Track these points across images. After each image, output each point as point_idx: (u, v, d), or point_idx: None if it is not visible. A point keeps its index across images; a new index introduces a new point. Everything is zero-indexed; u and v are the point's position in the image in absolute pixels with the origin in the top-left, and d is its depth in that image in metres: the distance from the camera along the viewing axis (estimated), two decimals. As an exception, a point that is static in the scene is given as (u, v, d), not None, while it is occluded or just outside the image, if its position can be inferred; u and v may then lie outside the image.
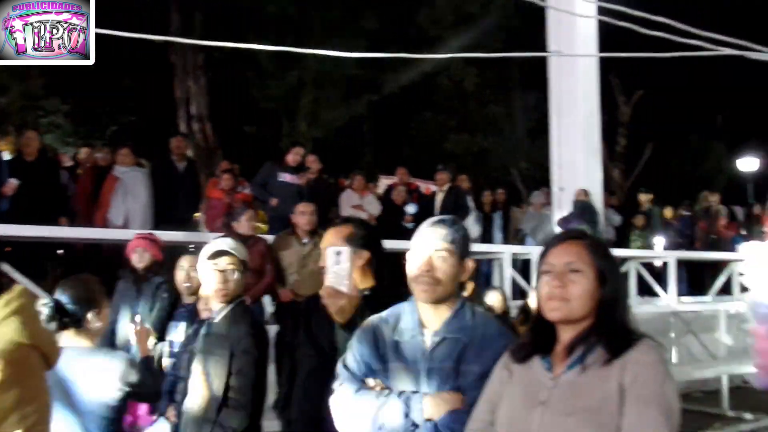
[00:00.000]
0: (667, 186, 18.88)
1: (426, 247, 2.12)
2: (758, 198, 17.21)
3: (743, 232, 12.48)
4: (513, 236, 10.72)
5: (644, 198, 11.71)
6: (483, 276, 8.83)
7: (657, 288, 9.38)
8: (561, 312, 1.73)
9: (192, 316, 4.12)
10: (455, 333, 2.10)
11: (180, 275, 4.54)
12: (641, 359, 1.66)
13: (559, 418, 1.65)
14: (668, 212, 12.73)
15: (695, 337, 9.63)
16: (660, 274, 9.75)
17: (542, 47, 9.72)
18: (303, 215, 5.86)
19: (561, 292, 1.73)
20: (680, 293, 9.83)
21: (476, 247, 8.46)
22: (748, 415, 7.98)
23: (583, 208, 8.81)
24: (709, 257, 10.45)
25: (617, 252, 9.28)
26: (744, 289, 8.07)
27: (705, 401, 9.22)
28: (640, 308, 9.16)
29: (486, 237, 10.11)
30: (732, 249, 10.57)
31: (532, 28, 12.47)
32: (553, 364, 1.76)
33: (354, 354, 2.18)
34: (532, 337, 1.83)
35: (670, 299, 9.33)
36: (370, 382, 2.13)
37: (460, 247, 2.15)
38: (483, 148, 20.47)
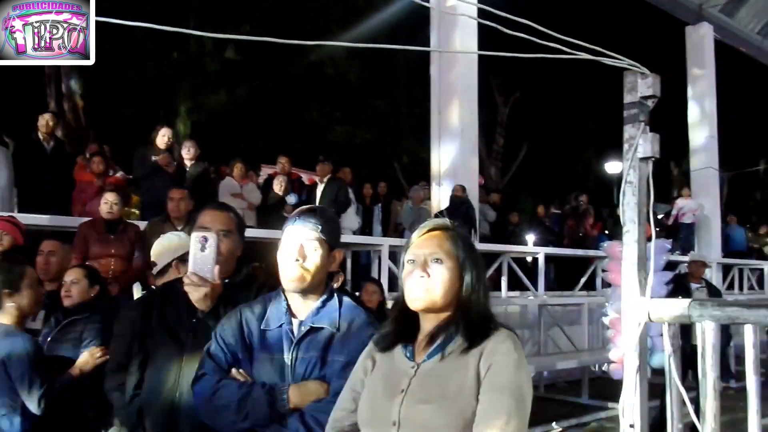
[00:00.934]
0: (540, 185, 19.76)
1: (296, 237, 2.10)
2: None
3: (607, 232, 13.25)
4: (393, 229, 10.87)
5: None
6: (362, 267, 8.91)
7: (527, 282, 9.76)
8: (423, 301, 1.75)
9: (53, 303, 3.89)
10: (322, 322, 2.09)
11: (39, 260, 4.31)
12: (497, 348, 1.70)
13: (417, 406, 1.66)
14: (540, 210, 13.34)
15: (561, 330, 10.13)
16: (531, 270, 10.18)
17: (427, 44, 9.89)
18: (175, 201, 5.65)
19: (423, 281, 1.75)
20: (549, 288, 10.30)
21: (356, 239, 8.53)
22: (610, 404, 8.40)
23: (459, 203, 9.03)
24: (576, 254, 11.00)
25: (492, 247, 9.62)
26: (606, 284, 8.57)
27: (569, 391, 9.73)
28: (511, 301, 9.54)
29: (366, 229, 10.19)
30: (597, 247, 11.19)
31: (417, 24, 12.65)
32: (415, 353, 1.78)
33: (219, 343, 2.12)
34: (395, 326, 1.84)
35: (539, 293, 9.74)
36: (235, 372, 2.09)
37: (330, 237, 2.14)
38: (366, 141, 20.64)
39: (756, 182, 31.47)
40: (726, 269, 13.54)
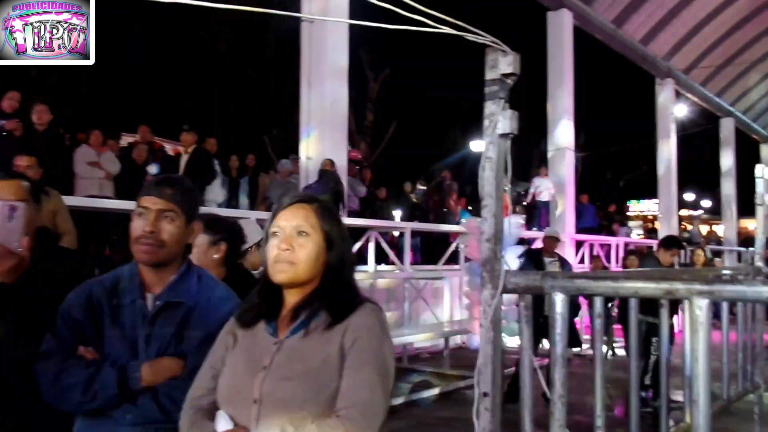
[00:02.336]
0: (409, 161, 20.12)
1: (150, 207, 2.00)
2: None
3: (470, 208, 13.71)
4: (260, 202, 10.71)
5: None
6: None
7: (393, 257, 9.93)
8: (287, 275, 1.72)
9: None
10: (179, 297, 2.01)
11: None
12: (362, 323, 1.70)
13: (279, 383, 1.64)
14: (407, 186, 13.59)
15: (425, 303, 10.40)
16: (397, 244, 10.36)
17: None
18: (21, 169, 5.26)
19: (288, 255, 1.71)
20: (415, 262, 10.53)
21: (221, 212, 8.33)
22: (470, 374, 8.73)
23: (328, 177, 9.02)
24: (440, 229, 11.30)
25: (359, 221, 9.69)
26: (467, 259, 8.87)
27: (431, 361, 10.04)
28: (378, 275, 9.68)
29: (232, 202, 9.98)
30: (460, 222, 11.56)
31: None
32: (279, 328, 1.75)
33: (64, 320, 1.99)
34: (258, 301, 1.80)
35: (404, 268, 9.93)
36: (82, 350, 1.97)
37: (188, 207, 2.05)
38: (236, 112, 20.17)
39: (608, 164, 33.60)
40: (578, 244, 14.38)
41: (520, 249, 8.92)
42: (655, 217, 29.78)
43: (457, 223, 11.24)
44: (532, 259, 7.87)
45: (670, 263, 7.55)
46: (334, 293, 1.74)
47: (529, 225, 13.70)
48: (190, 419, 1.73)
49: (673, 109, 18.83)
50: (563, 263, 8.16)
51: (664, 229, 18.06)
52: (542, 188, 14.02)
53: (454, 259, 11.19)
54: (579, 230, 14.89)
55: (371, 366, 1.65)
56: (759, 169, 4.28)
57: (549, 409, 1.87)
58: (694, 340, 1.54)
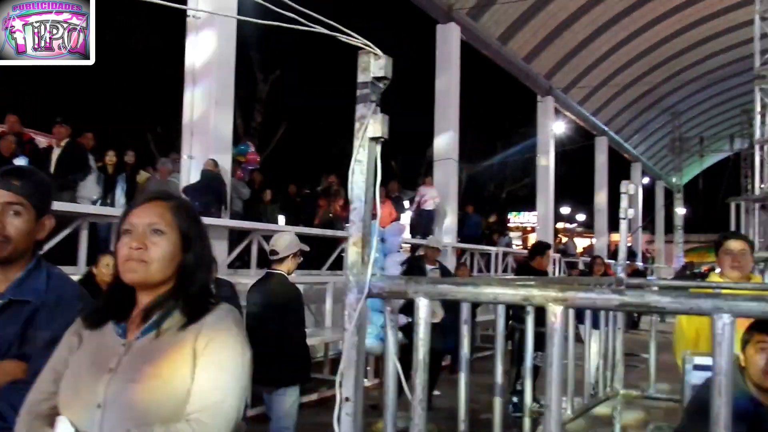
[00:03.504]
0: (296, 164, 19.98)
1: None
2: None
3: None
4: (138, 201, 10.29)
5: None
6: (101, 241, 8.33)
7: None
8: (139, 274, 1.63)
9: None
10: (24, 295, 1.87)
11: None
12: (216, 325, 1.65)
13: (126, 385, 1.55)
14: (292, 189, 13.46)
15: (308, 308, 10.33)
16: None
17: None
18: None
19: (140, 253, 1.63)
20: (298, 267, 10.38)
21: (94, 210, 7.95)
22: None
23: (210, 178, 8.80)
24: (325, 234, 11.25)
25: (241, 224, 9.51)
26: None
27: (312, 367, 9.96)
28: (255, 279, 9.51)
29: (108, 199, 9.55)
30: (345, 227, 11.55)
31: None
32: (129, 329, 1.66)
33: None
34: (107, 301, 1.70)
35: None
36: None
37: (38, 201, 1.92)
38: (119, 107, 19.38)
39: (490, 175, 34.67)
40: (460, 253, 14.73)
41: (403, 256, 9.05)
42: (533, 229, 31.00)
43: (343, 229, 11.23)
44: (414, 267, 7.98)
45: (546, 267, 7.85)
46: (188, 294, 1.68)
47: (414, 233, 13.91)
48: (26, 426, 1.61)
49: (553, 126, 19.69)
50: (444, 271, 8.33)
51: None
52: (427, 197, 14.27)
53: (338, 264, 11.17)
54: (463, 239, 15.26)
55: (225, 368, 1.60)
56: (624, 185, 4.51)
57: (410, 414, 1.87)
58: (549, 346, 1.58)
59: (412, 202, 14.74)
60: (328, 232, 11.28)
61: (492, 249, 16.40)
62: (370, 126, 1.80)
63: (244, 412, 1.65)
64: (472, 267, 15.14)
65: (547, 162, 19.38)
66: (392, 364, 1.98)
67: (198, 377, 1.57)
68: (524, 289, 1.63)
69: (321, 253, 11.35)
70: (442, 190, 14.41)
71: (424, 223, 14.16)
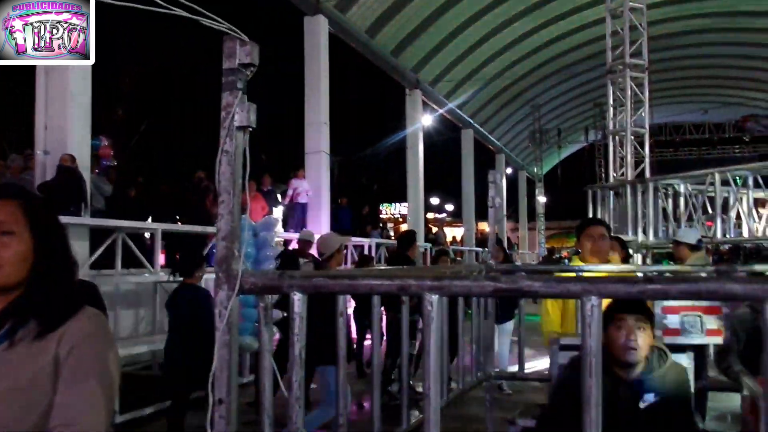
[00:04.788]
0: (160, 160, 19.26)
1: None
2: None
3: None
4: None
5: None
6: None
7: (143, 259, 9.37)
8: (-11, 279, 1.48)
9: None
10: None
11: None
12: (80, 329, 1.52)
13: None
14: (163, 186, 12.97)
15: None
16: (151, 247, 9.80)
17: None
18: None
19: (-13, 257, 1.48)
20: (169, 265, 10.00)
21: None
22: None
23: (67, 174, 8.28)
24: (195, 230, 10.89)
25: (105, 222, 9.03)
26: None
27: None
28: (125, 279, 9.08)
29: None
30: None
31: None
32: (-20, 340, 1.50)
33: None
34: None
35: (155, 270, 9.42)
36: None
37: None
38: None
39: (362, 168, 34.97)
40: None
41: (276, 250, 8.91)
42: (404, 219, 31.56)
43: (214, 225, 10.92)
44: (288, 261, 7.89)
45: (416, 256, 7.96)
46: (47, 298, 1.54)
47: (287, 226, 13.77)
48: None
49: (421, 119, 20.07)
50: (318, 264, 8.27)
51: (412, 231, 19.16)
52: (300, 190, 14.15)
53: (210, 261, 10.84)
54: (336, 232, 15.24)
55: (91, 377, 1.48)
56: (491, 175, 4.64)
57: (287, 411, 1.82)
58: (426, 335, 1.58)
59: (284, 195, 14.57)
60: (198, 228, 10.92)
61: (365, 240, 16.52)
62: (237, 115, 1.73)
63: (112, 418, 1.54)
64: (346, 259, 15.19)
65: (416, 154, 19.73)
66: (267, 361, 1.92)
67: (61, 388, 1.44)
68: (400, 279, 1.62)
69: (192, 251, 10.96)
70: (314, 183, 14.34)
71: (297, 217, 14.05)
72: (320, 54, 14.41)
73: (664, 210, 13.37)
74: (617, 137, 15.46)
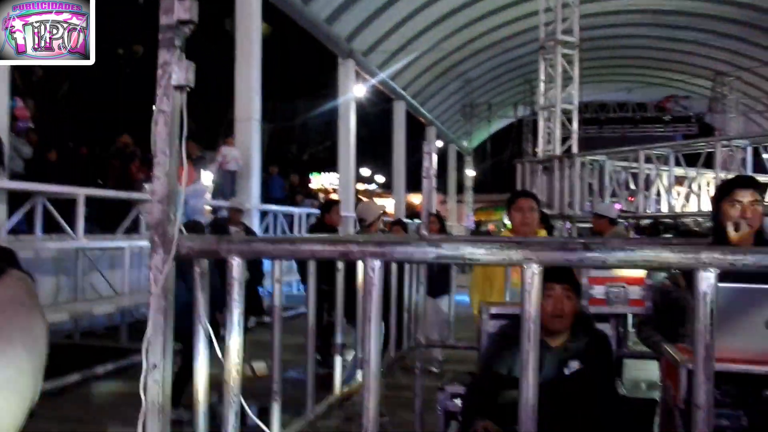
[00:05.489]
0: (85, 124, 18.57)
1: None
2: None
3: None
4: None
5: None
6: None
7: (64, 225, 9.05)
8: None
9: None
10: None
11: None
12: (2, 294, 1.45)
13: None
14: (84, 149, 12.51)
15: (101, 274, 9.71)
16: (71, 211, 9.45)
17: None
18: None
19: None
20: (90, 231, 9.67)
21: None
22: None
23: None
24: (119, 196, 10.58)
25: (23, 185, 8.67)
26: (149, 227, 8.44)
27: (107, 336, 9.44)
28: (45, 246, 8.78)
29: None
30: (142, 189, 10.97)
31: None
32: None
33: None
34: None
35: (77, 237, 9.11)
36: None
37: None
38: None
39: (294, 136, 34.59)
40: (264, 214, 14.58)
41: (206, 218, 8.77)
42: (335, 190, 31.50)
43: (140, 191, 10.63)
44: (218, 229, 7.77)
45: (337, 223, 7.94)
46: None
47: (216, 195, 13.52)
48: None
49: (353, 89, 19.94)
50: (249, 232, 8.19)
51: (343, 202, 19.13)
52: (230, 158, 13.90)
53: (134, 227, 10.57)
54: (267, 201, 15.08)
55: (15, 341, 1.41)
56: (426, 146, 4.66)
57: (224, 378, 1.80)
58: (366, 301, 1.57)
59: (212, 162, 14.29)
60: (122, 194, 10.61)
61: (296, 210, 16.41)
62: (174, 73, 1.67)
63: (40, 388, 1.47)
64: (276, 229, 15.08)
65: (348, 124, 19.62)
66: (202, 327, 1.88)
67: None
68: (342, 245, 1.61)
69: (117, 216, 10.67)
70: (244, 151, 14.10)
71: (226, 185, 13.80)
72: (252, 19, 14.09)
73: (590, 185, 13.79)
74: (547, 113, 15.77)
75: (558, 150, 15.13)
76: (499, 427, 3.07)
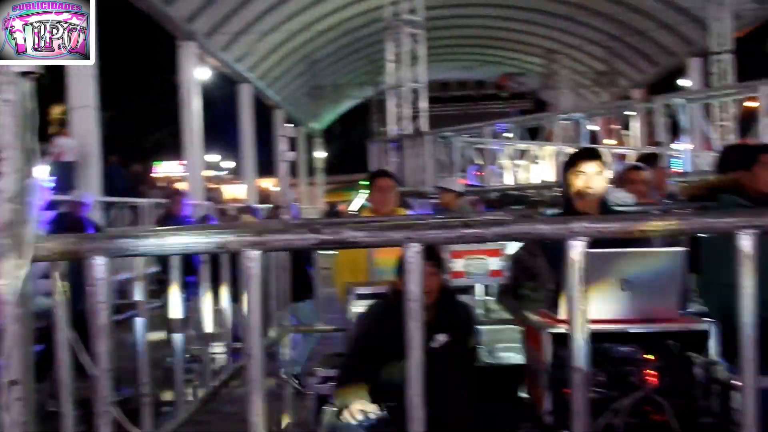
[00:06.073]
0: None
1: None
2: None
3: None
4: None
5: None
6: None
7: None
8: None
9: None
10: None
11: None
12: None
13: None
14: None
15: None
16: None
17: None
18: None
19: None
20: None
21: None
22: None
23: None
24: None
25: None
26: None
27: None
28: None
29: None
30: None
31: None
32: None
33: None
34: None
35: None
36: None
37: None
38: None
39: (134, 123, 32.99)
40: (108, 206, 13.80)
41: (53, 214, 8.16)
42: (182, 178, 30.43)
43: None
44: (66, 224, 7.28)
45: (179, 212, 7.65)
46: None
47: (53, 189, 12.63)
48: None
49: (195, 72, 19.27)
50: (97, 229, 7.73)
51: (191, 190, 18.54)
52: (66, 148, 13.02)
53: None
54: (109, 192, 14.29)
55: None
56: (282, 129, 4.58)
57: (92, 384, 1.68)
58: (249, 293, 1.52)
59: (46, 154, 13.32)
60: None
61: (142, 201, 15.69)
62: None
63: None
64: (122, 221, 14.34)
65: (192, 109, 18.95)
66: (64, 334, 1.75)
67: None
68: (219, 235, 1.54)
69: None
70: (81, 141, 13.25)
71: (64, 178, 12.93)
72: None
73: (440, 161, 14.24)
74: (395, 92, 16.04)
75: (408, 128, 15.45)
76: (374, 404, 3.11)
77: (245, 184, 26.60)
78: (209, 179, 32.05)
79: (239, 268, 1.54)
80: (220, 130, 29.83)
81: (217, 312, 3.58)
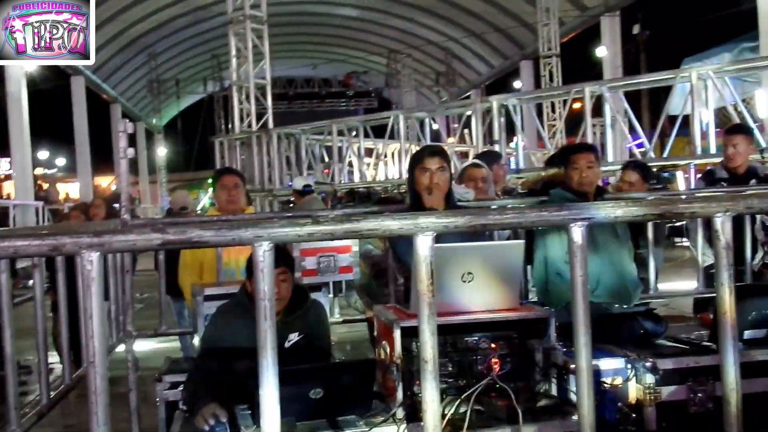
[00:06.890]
0: None
1: None
2: None
3: None
4: None
5: None
6: None
7: None
8: None
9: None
10: None
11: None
12: None
13: None
14: None
15: None
16: None
17: None
18: None
19: None
20: None
21: None
22: None
23: None
24: None
25: None
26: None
27: None
28: None
29: None
30: None
31: None
32: None
33: None
34: None
35: None
36: None
37: None
38: None
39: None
40: None
41: None
42: (8, 177, 28.17)
43: None
44: None
45: None
46: None
47: None
48: None
49: (21, 64, 17.88)
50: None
51: (20, 190, 17.27)
52: None
53: None
54: None
55: None
56: (122, 125, 4.35)
57: None
58: (86, 298, 1.43)
59: None
60: None
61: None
62: None
63: None
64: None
65: (19, 103, 17.56)
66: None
67: None
68: (52, 237, 1.43)
69: None
70: None
71: None
72: None
73: (288, 159, 14.14)
74: (240, 88, 15.72)
75: (255, 126, 15.20)
76: (226, 407, 3.03)
77: (80, 182, 25.06)
78: (40, 177, 29.94)
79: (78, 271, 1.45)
80: (52, 126, 27.94)
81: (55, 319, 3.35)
